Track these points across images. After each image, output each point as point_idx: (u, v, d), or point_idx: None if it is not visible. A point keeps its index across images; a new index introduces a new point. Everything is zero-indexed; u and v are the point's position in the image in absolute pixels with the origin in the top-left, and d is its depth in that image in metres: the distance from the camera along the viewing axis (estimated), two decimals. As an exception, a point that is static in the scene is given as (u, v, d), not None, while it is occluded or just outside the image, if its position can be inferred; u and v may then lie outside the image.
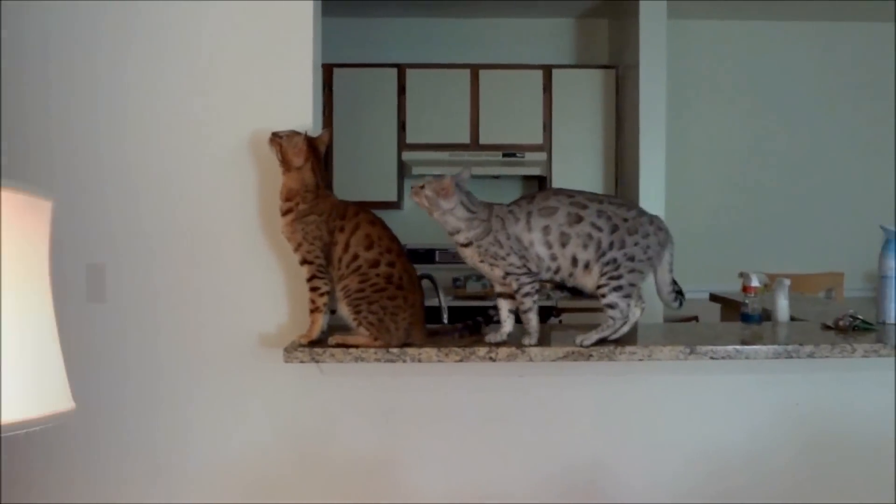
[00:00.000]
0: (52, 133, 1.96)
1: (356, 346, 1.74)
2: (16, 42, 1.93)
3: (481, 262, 1.75)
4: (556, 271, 1.75)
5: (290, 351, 1.74)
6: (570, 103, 4.53)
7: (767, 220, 4.84)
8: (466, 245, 1.76)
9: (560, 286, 1.78)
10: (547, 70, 4.53)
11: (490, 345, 1.79)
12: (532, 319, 1.76)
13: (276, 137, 1.79)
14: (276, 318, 1.94)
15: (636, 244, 1.73)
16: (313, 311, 1.80)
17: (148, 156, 1.95)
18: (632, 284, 1.73)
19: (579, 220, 1.72)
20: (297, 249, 1.77)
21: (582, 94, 4.53)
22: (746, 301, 2.16)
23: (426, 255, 4.58)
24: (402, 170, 4.54)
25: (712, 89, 4.84)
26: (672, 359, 1.80)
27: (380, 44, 4.76)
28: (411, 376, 1.92)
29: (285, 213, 1.77)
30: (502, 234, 1.72)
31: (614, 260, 1.71)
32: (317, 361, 1.74)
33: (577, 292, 1.84)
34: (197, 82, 1.95)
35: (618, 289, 1.72)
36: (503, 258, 1.72)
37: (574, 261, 1.73)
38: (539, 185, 4.84)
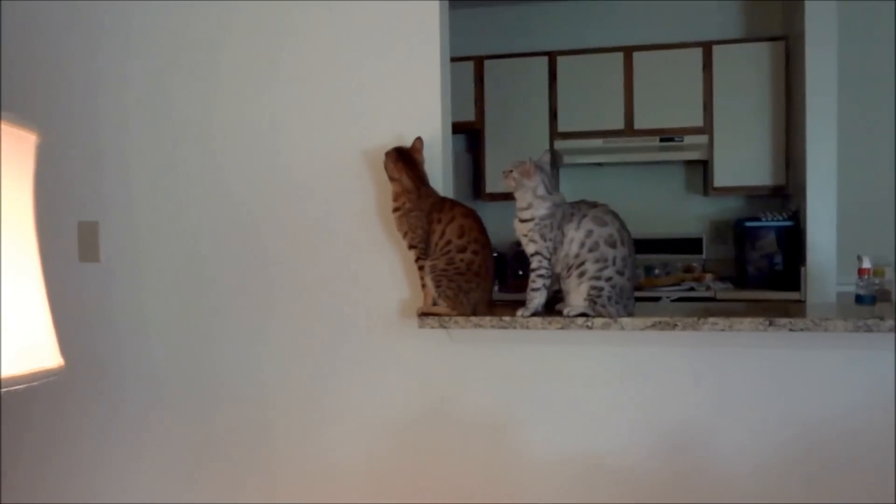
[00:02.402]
0: (132, 162, 2.54)
1: (438, 315, 2.20)
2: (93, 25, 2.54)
3: (524, 235, 2.16)
4: (566, 267, 2.14)
5: (424, 319, 2.24)
6: (732, 81, 4.62)
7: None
8: (527, 220, 2.12)
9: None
10: (707, 47, 4.65)
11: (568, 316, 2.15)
12: (536, 298, 2.18)
13: (385, 156, 2.26)
14: (399, 294, 2.40)
15: (615, 285, 2.13)
16: (424, 286, 2.25)
17: (282, 163, 2.48)
18: (602, 305, 2.15)
19: (613, 245, 2.11)
20: (405, 237, 2.28)
21: (745, 71, 4.60)
22: (860, 283, 2.29)
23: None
24: (555, 159, 4.87)
25: (888, 62, 4.66)
26: (752, 330, 2.02)
27: (530, 31, 5.13)
28: (524, 343, 2.30)
29: (395, 210, 2.27)
30: (556, 223, 2.12)
31: (602, 289, 2.12)
32: (445, 327, 2.22)
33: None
34: (339, 90, 2.45)
35: (591, 303, 2.13)
36: (545, 240, 2.13)
37: (580, 266, 2.11)
38: (704, 169, 4.94)
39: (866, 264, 2.32)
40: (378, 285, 2.43)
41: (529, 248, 2.19)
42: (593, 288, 2.12)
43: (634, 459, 2.28)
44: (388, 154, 2.27)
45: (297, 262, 2.49)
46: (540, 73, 4.88)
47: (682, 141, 4.69)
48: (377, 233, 2.42)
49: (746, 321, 2.05)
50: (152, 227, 2.59)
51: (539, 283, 2.18)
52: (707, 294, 4.37)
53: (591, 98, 4.82)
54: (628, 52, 4.77)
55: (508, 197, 4.74)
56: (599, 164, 4.96)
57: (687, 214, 5.03)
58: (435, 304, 2.27)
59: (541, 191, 2.17)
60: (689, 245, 4.90)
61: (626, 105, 4.79)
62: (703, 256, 4.93)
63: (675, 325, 2.10)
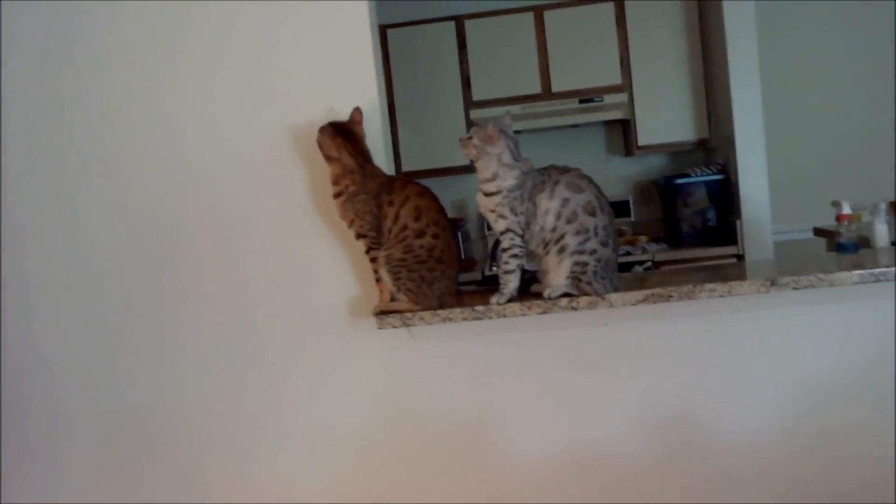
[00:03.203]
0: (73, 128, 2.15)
1: (398, 312, 1.95)
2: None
3: (492, 211, 1.93)
4: (542, 243, 1.92)
5: (382, 318, 1.96)
6: (648, 36, 4.51)
7: (875, 148, 4.64)
8: (493, 193, 1.88)
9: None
10: (619, 2, 4.50)
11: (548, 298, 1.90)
12: (511, 281, 1.96)
13: (319, 132, 1.95)
14: (347, 291, 2.11)
15: (599, 258, 1.91)
16: (378, 280, 1.96)
17: (193, 151, 2.12)
18: (587, 282, 1.93)
19: (592, 213, 1.90)
20: (350, 226, 2.00)
21: (661, 25, 4.49)
22: (840, 230, 2.16)
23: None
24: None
25: (807, 8, 4.66)
26: (753, 292, 1.84)
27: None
28: (499, 333, 2.07)
29: (336, 195, 1.99)
30: (526, 193, 1.90)
31: (586, 264, 1.90)
32: (408, 325, 1.96)
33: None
34: (251, 63, 2.11)
35: (575, 281, 1.91)
36: (515, 215, 1.90)
37: (559, 240, 1.90)
38: (623, 129, 4.82)
39: (846, 210, 2.19)
40: (322, 284, 2.13)
41: (499, 225, 1.94)
42: (576, 264, 1.89)
43: (632, 449, 2.08)
44: (322, 130, 1.96)
45: (223, 267, 2.16)
46: (448, 40, 4.62)
47: (601, 101, 4.54)
48: (315, 223, 2.12)
49: (746, 284, 1.87)
50: (38, 238, 2.19)
51: (513, 263, 1.94)
52: (645, 257, 4.25)
53: (505, 63, 4.60)
54: (538, 11, 4.57)
55: (429, 173, 4.47)
56: (518, 132, 4.75)
57: (610, 177, 4.91)
58: (393, 299, 1.99)
59: (507, 158, 1.93)
60: (617, 209, 4.75)
61: (541, 68, 4.59)
62: (633, 219, 4.82)
63: (670, 295, 1.90)
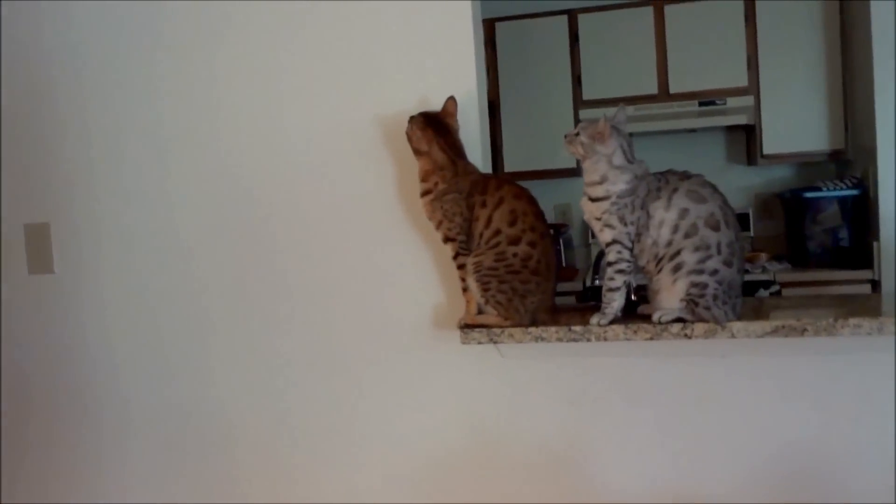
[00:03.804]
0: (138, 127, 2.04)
1: (485, 326, 1.77)
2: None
3: (598, 219, 1.71)
4: (655, 259, 1.69)
5: (467, 332, 1.77)
6: (780, 35, 4.15)
7: None
8: (600, 199, 1.68)
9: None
10: (749, -3, 4.15)
11: (658, 322, 1.66)
12: (616, 300, 1.72)
13: (409, 123, 1.79)
14: (432, 299, 1.94)
15: (721, 279, 1.66)
16: (465, 289, 1.80)
17: (277, 137, 1.99)
18: (705, 307, 1.67)
19: (715, 227, 1.65)
20: (438, 227, 1.81)
21: (795, 23, 4.13)
22: None
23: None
24: (580, 131, 4.37)
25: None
26: (912, 333, 1.54)
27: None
28: (598, 357, 1.86)
29: (424, 193, 1.81)
30: (639, 201, 1.68)
31: (705, 286, 1.65)
32: (495, 342, 1.77)
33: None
34: (344, 48, 1.96)
35: (691, 305, 1.66)
36: (624, 224, 1.68)
37: (674, 257, 1.66)
38: (746, 136, 4.47)
39: None
40: (405, 288, 1.95)
41: (605, 236, 1.71)
42: (694, 285, 1.64)
43: (742, 501, 1.80)
44: (412, 120, 1.78)
45: (301, 264, 2.01)
46: (560, 35, 4.40)
47: (724, 104, 4.21)
48: (401, 223, 1.94)
49: (903, 321, 1.57)
50: (118, 228, 2.10)
51: (619, 280, 1.71)
52: (765, 277, 3.89)
53: (619, 60, 4.34)
54: (659, 5, 4.29)
55: (533, 175, 4.26)
56: (630, 134, 4.47)
57: (730, 187, 4.47)
58: (481, 311, 1.80)
59: (618, 159, 1.70)
60: (735, 222, 4.41)
61: (658, 67, 4.31)
62: (752, 234, 4.46)
63: (805, 329, 1.62)
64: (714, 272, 1.64)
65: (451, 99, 1.81)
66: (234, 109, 2.02)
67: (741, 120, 4.20)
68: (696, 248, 1.64)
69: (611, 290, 1.71)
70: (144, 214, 2.08)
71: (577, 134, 1.73)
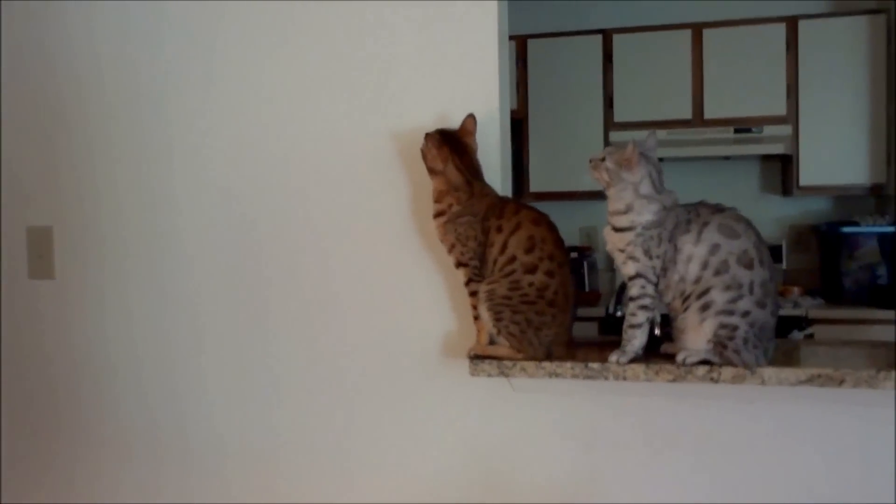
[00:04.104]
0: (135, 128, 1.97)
1: (497, 358, 1.67)
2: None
3: (621, 251, 1.61)
4: (681, 296, 1.57)
5: (477, 364, 1.68)
6: (822, 62, 4.02)
7: None
8: (625, 229, 1.58)
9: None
10: (791, 22, 4.05)
11: (682, 364, 1.54)
12: (637, 338, 1.61)
13: (424, 140, 1.70)
14: (442, 326, 1.83)
15: (753, 322, 1.54)
16: (476, 318, 1.70)
17: (288, 152, 1.91)
18: (734, 350, 1.55)
19: (749, 266, 1.53)
20: (450, 251, 1.72)
21: (838, 49, 3.99)
22: None
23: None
24: (610, 154, 4.25)
25: None
26: (962, 390, 1.40)
27: (581, 5, 4.50)
28: (615, 395, 1.75)
29: (437, 215, 1.72)
30: (666, 233, 1.57)
31: (735, 328, 1.53)
32: (506, 375, 1.67)
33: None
34: (360, 58, 1.87)
35: (719, 347, 1.54)
36: (650, 258, 1.57)
37: (703, 295, 1.54)
38: (782, 166, 4.33)
39: None
40: (415, 312, 1.85)
41: (628, 269, 1.60)
42: (723, 326, 1.52)
43: (770, 561, 1.67)
44: (428, 137, 1.69)
45: (308, 284, 1.92)
46: (593, 54, 4.30)
47: (760, 132, 4.08)
48: (413, 243, 1.84)
49: (953, 376, 1.43)
50: (120, 234, 2.03)
51: (641, 316, 1.59)
52: (797, 312, 3.74)
53: (654, 83, 4.23)
54: (697, 29, 4.17)
55: (559, 196, 4.15)
56: (661, 160, 4.35)
57: (763, 217, 4.38)
58: (492, 342, 1.69)
59: (646, 188, 1.59)
60: (767, 254, 4.26)
61: (694, 91, 4.19)
62: (784, 266, 4.30)
63: (843, 380, 1.49)
64: (745, 314, 1.52)
65: (471, 117, 1.71)
66: (243, 119, 1.94)
67: (778, 149, 4.06)
68: (727, 287, 1.52)
69: (632, 326, 1.60)
70: (145, 222, 2.00)
71: (603, 159, 1.63)
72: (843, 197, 4.22)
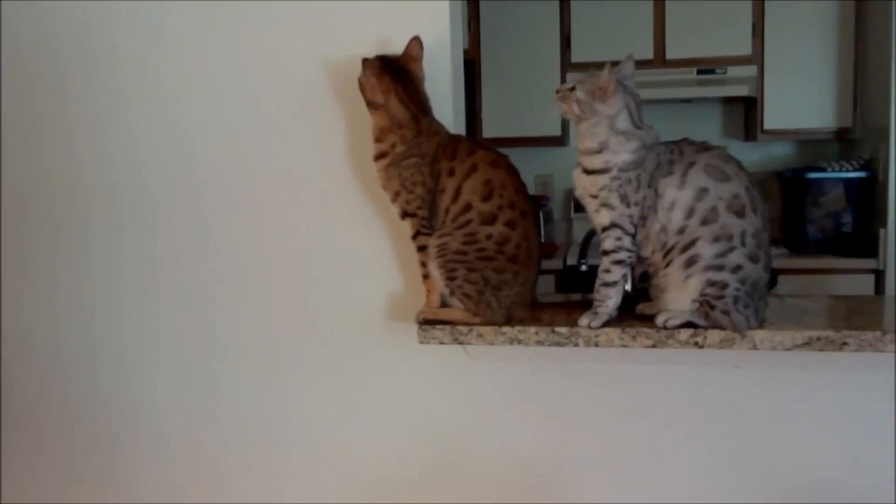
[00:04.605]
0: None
1: (449, 323, 1.45)
2: None
3: (593, 196, 1.39)
4: (663, 249, 1.37)
5: (426, 330, 1.46)
6: (790, 1, 3.78)
7: None
8: (598, 171, 1.36)
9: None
10: (758, -43, 3.81)
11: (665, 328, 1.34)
12: (611, 297, 1.40)
13: (363, 68, 1.44)
14: (386, 285, 1.59)
15: (744, 278, 1.34)
16: (426, 277, 1.48)
17: (216, 80, 1.63)
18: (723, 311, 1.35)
19: (740, 213, 1.33)
20: (395, 199, 1.49)
21: (807, -14, 3.76)
22: None
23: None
24: (567, 96, 4.01)
25: None
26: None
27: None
28: (582, 362, 1.54)
29: (378, 157, 1.48)
30: (646, 176, 1.36)
31: (725, 285, 1.32)
32: (461, 343, 1.46)
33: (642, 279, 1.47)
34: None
35: (706, 308, 1.35)
36: (626, 205, 1.36)
37: (688, 248, 1.34)
38: (746, 109, 4.16)
39: None
40: (355, 273, 1.63)
41: (601, 218, 1.38)
42: (711, 284, 1.32)
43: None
44: (366, 64, 1.43)
45: (229, 240, 1.66)
46: (549, -11, 4.02)
47: (724, 73, 3.88)
48: (351, 192, 1.61)
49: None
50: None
51: (616, 273, 1.39)
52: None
53: (613, 21, 3.98)
54: (659, -38, 3.91)
55: (513, 142, 3.91)
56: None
57: (724, 164, 4.24)
58: (445, 304, 1.47)
59: (623, 123, 1.38)
60: (729, 202, 4.10)
61: (655, 29, 3.96)
62: (746, 215, 4.14)
63: (844, 343, 1.31)
64: (736, 268, 1.32)
65: (416, 40, 1.46)
66: (145, 49, 1.65)
67: (742, 91, 3.87)
68: (716, 238, 1.32)
69: (606, 284, 1.39)
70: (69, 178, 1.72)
71: (573, 89, 1.39)
72: (806, 142, 4.07)
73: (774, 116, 3.88)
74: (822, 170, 3.65)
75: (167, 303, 1.71)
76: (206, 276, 1.68)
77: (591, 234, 2.11)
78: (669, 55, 3.94)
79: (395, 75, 1.43)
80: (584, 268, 2.28)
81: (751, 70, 3.85)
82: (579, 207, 4.55)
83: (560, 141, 4.07)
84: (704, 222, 1.32)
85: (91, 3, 1.65)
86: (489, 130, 4.10)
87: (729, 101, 4.19)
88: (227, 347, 1.69)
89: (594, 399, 1.56)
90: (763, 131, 3.91)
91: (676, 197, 1.34)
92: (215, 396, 1.72)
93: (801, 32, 3.80)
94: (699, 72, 3.91)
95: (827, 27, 3.77)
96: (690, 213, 1.33)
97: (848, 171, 3.60)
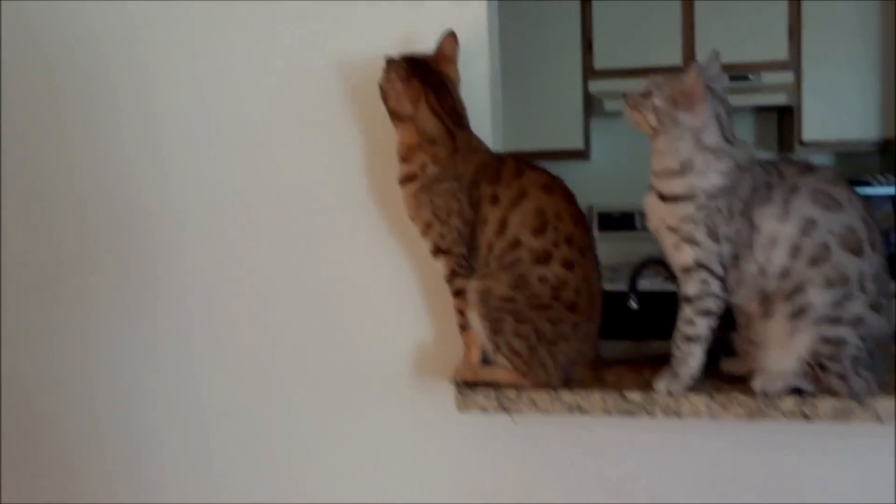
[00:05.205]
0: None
1: (494, 385, 1.20)
2: None
3: (672, 229, 1.12)
4: (760, 296, 1.11)
5: (466, 394, 1.20)
6: (829, 2, 3.55)
7: None
8: (680, 198, 1.11)
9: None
10: (795, -45, 3.58)
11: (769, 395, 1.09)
12: (694, 356, 1.13)
13: (385, 70, 1.19)
14: (414, 334, 1.33)
15: (867, 334, 1.08)
16: (464, 328, 1.23)
17: (217, 89, 1.38)
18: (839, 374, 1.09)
19: (857, 251, 1.07)
20: (425, 232, 1.23)
21: (848, -13, 3.53)
22: None
23: (622, 221, 3.85)
24: (589, 106, 3.85)
25: None
26: None
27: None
28: (655, 432, 1.27)
29: (405, 180, 1.22)
30: (739, 205, 1.10)
31: (842, 342, 1.07)
32: (508, 410, 1.19)
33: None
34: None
35: (818, 370, 1.09)
36: (715, 240, 1.10)
37: (793, 295, 1.08)
38: (779, 118, 3.92)
39: None
40: (375, 318, 1.37)
41: (683, 256, 1.13)
42: (825, 341, 1.07)
43: None
44: (391, 65, 1.18)
45: (232, 280, 1.41)
46: (570, -9, 3.79)
47: (759, 80, 3.62)
48: (372, 222, 1.35)
49: None
50: None
51: (701, 325, 1.13)
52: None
53: (639, 24, 3.75)
54: (687, -40, 3.69)
55: (532, 156, 3.70)
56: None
57: (757, 178, 4.00)
58: (487, 360, 1.21)
59: (712, 137, 1.13)
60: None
61: (684, 33, 3.74)
62: (782, 233, 3.90)
63: None
64: (856, 321, 1.06)
65: (451, 36, 1.21)
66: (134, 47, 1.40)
67: (779, 100, 3.65)
68: (829, 283, 1.06)
69: (689, 339, 1.13)
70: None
71: (648, 94, 1.14)
72: (847, 154, 3.82)
73: (813, 126, 3.64)
74: (867, 184, 3.40)
75: (173, 343, 1.45)
76: (210, 314, 1.43)
77: (646, 263, 1.85)
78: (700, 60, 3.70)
79: (425, 79, 1.18)
80: (633, 304, 1.99)
81: (787, 76, 3.61)
82: (606, 225, 4.35)
83: (582, 154, 3.83)
84: (814, 263, 1.07)
85: (111, 15, 1.41)
86: (505, 142, 3.86)
87: (762, 110, 3.96)
88: (221, 412, 1.43)
89: (669, 479, 1.29)
90: (801, 143, 3.66)
91: (778, 231, 1.08)
92: (214, 443, 1.45)
93: (842, 35, 3.58)
94: (732, 78, 3.66)
95: (870, 29, 3.55)
96: (796, 251, 1.07)
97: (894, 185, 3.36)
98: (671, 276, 1.24)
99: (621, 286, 2.75)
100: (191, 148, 1.40)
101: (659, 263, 1.63)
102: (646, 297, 2.58)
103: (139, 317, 1.45)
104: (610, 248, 3.64)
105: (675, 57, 3.72)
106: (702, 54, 3.67)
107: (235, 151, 1.38)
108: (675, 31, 3.71)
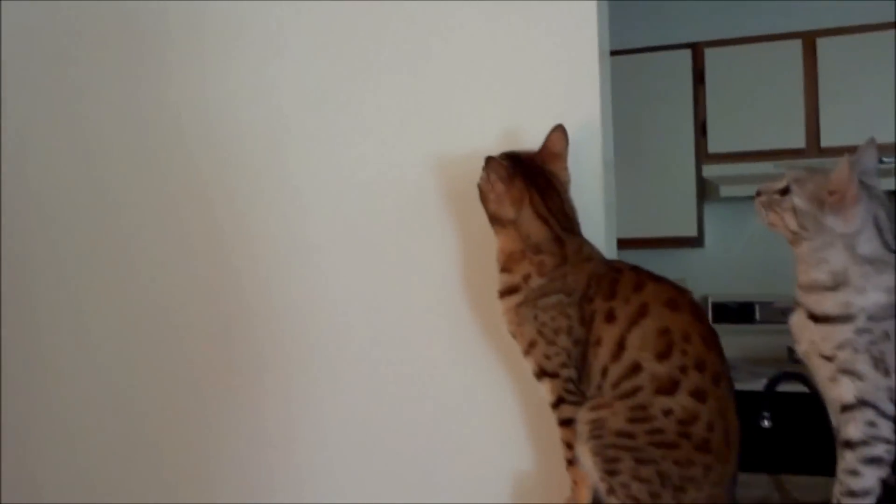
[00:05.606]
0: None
1: None
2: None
3: (826, 358, 0.94)
4: None
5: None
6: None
7: None
8: (835, 319, 0.93)
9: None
10: (930, 27, 3.34)
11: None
12: None
13: (485, 168, 1.08)
14: (511, 462, 1.18)
15: None
16: (571, 462, 1.07)
17: (301, 183, 1.30)
18: None
19: None
20: (528, 351, 1.08)
21: None
22: None
23: (740, 312, 3.57)
24: (703, 191, 3.66)
25: None
26: None
27: (669, 21, 3.87)
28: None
29: (505, 292, 1.09)
30: None
31: None
32: None
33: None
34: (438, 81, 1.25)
35: None
36: (884, 373, 0.92)
37: None
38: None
39: None
40: (467, 443, 1.21)
41: (842, 391, 0.95)
42: None
43: None
44: (490, 164, 1.06)
45: (311, 398, 1.29)
46: (682, 71, 3.66)
47: (892, 163, 3.34)
48: (466, 337, 1.21)
49: None
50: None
51: (869, 476, 0.94)
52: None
53: (756, 104, 3.55)
54: (809, 38, 3.51)
55: (642, 244, 3.48)
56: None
57: None
58: (597, 501, 1.03)
59: (868, 245, 0.96)
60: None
61: (807, 113, 3.50)
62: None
63: None
64: None
65: (559, 129, 1.08)
66: (226, 138, 1.34)
67: (915, 183, 3.34)
68: None
69: (853, 493, 0.92)
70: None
71: (787, 191, 0.97)
72: None
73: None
74: None
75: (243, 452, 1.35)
76: (284, 412, 1.32)
77: (777, 379, 1.63)
78: (825, 142, 3.46)
79: (530, 180, 1.05)
80: (765, 423, 1.75)
81: (924, 158, 3.32)
82: (722, 317, 4.06)
83: (696, 242, 3.61)
84: None
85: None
86: (619, 230, 3.69)
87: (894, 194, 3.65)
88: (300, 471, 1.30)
89: None
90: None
91: None
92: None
93: None
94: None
95: None
96: None
97: None
98: (815, 394, 1.04)
99: (739, 386, 2.51)
100: (286, 245, 1.32)
101: (799, 378, 1.41)
102: (780, 401, 2.34)
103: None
104: (726, 342, 3.35)
105: (797, 139, 3.49)
106: (826, 137, 3.45)
107: (328, 248, 1.29)
108: (797, 113, 3.49)
